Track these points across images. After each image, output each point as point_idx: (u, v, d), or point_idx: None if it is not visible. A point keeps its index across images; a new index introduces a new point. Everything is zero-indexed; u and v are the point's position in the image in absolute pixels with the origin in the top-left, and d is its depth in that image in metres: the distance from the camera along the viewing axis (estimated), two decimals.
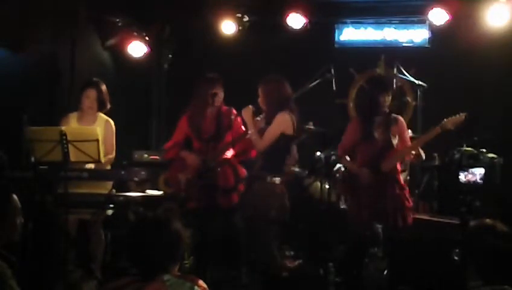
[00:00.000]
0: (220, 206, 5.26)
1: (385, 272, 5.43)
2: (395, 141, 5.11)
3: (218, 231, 5.31)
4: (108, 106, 5.62)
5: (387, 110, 5.14)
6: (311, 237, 6.12)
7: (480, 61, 6.71)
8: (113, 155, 5.58)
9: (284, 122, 4.99)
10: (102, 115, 5.63)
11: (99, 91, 5.55)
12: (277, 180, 4.97)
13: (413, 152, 5.21)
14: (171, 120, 8.02)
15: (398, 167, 5.21)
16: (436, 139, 5.16)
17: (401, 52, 7.11)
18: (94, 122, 5.54)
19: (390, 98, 5.15)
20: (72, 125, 5.46)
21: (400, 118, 5.26)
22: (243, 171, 5.43)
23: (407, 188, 5.22)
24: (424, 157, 5.35)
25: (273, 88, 5.10)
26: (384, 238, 5.33)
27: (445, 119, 4.99)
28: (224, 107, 5.47)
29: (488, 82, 6.85)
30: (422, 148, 5.26)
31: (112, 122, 5.64)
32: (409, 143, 5.18)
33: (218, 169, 5.25)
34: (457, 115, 4.98)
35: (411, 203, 5.19)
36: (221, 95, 5.45)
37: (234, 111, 5.40)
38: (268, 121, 5.05)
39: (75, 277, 5.21)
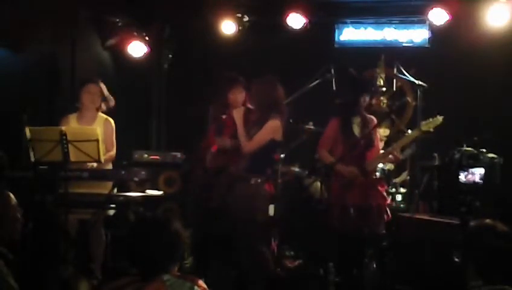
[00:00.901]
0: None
1: (386, 272, 5.43)
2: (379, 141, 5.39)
3: (227, 230, 5.32)
4: (112, 103, 5.63)
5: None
6: (311, 237, 6.12)
7: (480, 61, 6.71)
8: (114, 152, 5.58)
9: (276, 129, 5.02)
10: (101, 114, 5.63)
11: (100, 87, 5.58)
12: (260, 181, 4.97)
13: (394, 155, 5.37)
14: (171, 120, 8.07)
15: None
16: (436, 139, 5.18)
17: (401, 52, 7.10)
18: (94, 121, 5.54)
19: (368, 98, 5.36)
20: (72, 125, 5.46)
21: (373, 118, 5.40)
22: None
23: (385, 186, 5.45)
24: (400, 157, 5.52)
25: (265, 89, 5.09)
26: (371, 237, 5.34)
27: (422, 122, 5.18)
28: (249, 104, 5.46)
29: (488, 82, 6.84)
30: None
31: (112, 121, 5.64)
32: (377, 142, 5.43)
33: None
34: (435, 118, 5.17)
35: (388, 200, 5.43)
36: (240, 95, 5.45)
37: None
38: (259, 123, 5.04)
39: (73, 276, 5.21)
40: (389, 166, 6.15)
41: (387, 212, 5.29)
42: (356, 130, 5.31)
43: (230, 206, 5.03)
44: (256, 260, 4.98)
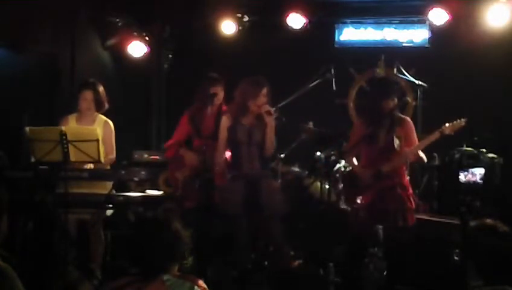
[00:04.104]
0: (216, 205, 5.27)
1: (385, 272, 5.43)
2: (396, 143, 5.03)
3: (215, 230, 5.33)
4: (107, 106, 5.59)
5: (393, 112, 5.11)
6: (311, 237, 6.12)
7: (480, 61, 6.71)
8: (113, 155, 5.57)
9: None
10: (101, 116, 5.61)
11: (96, 92, 5.51)
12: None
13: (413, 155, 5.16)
14: (171, 120, 8.05)
15: (403, 168, 5.18)
16: (436, 140, 5.16)
17: (401, 52, 7.11)
18: (93, 123, 5.52)
19: (395, 101, 5.13)
20: (71, 125, 5.45)
21: (407, 118, 5.23)
22: None
23: (410, 189, 5.16)
24: (425, 160, 5.26)
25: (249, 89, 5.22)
26: (384, 239, 5.33)
27: (446, 124, 5.00)
28: (225, 107, 5.50)
29: (488, 82, 6.84)
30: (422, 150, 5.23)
31: (111, 123, 5.62)
32: (415, 144, 5.12)
33: (216, 168, 5.28)
34: (458, 121, 5.00)
35: (413, 204, 5.12)
36: (221, 95, 5.49)
37: None
38: (260, 123, 5.17)
39: (74, 277, 5.21)
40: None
41: (408, 215, 5.03)
42: (382, 133, 5.09)
43: (261, 203, 5.09)
44: (283, 253, 5.25)
